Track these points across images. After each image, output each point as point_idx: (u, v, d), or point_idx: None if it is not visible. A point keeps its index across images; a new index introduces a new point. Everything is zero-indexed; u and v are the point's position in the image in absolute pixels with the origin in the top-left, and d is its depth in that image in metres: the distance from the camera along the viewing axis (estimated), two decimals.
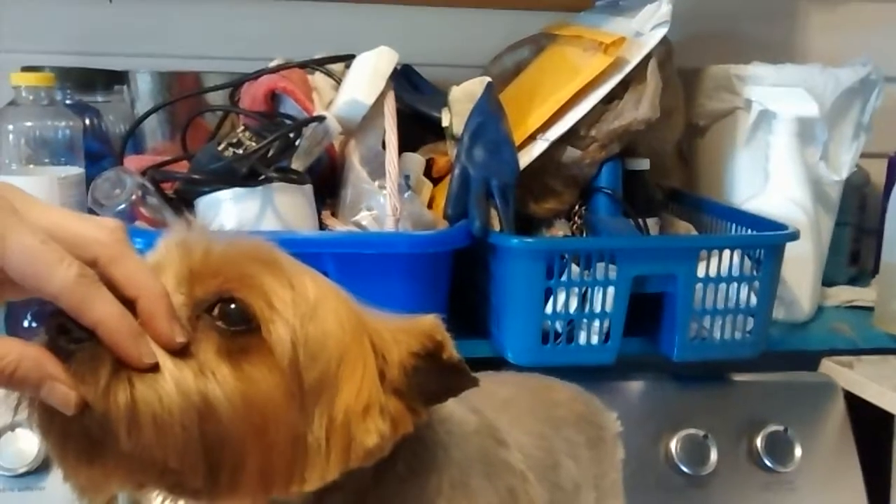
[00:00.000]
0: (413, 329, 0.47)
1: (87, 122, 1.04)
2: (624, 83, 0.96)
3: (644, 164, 1.05)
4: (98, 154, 1.04)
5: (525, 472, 0.56)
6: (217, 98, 1.03)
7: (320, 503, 0.46)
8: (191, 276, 0.43)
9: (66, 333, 0.39)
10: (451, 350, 0.46)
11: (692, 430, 0.96)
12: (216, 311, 0.42)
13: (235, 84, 0.98)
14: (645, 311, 0.92)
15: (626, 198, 1.02)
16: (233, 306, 0.42)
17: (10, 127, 0.90)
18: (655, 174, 1.10)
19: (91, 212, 0.89)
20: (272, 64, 1.01)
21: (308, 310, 0.43)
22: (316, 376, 0.43)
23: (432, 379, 0.46)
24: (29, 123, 0.91)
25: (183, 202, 0.89)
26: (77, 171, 0.94)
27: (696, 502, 0.95)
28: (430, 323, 0.47)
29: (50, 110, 0.93)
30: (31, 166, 0.92)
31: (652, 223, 1.05)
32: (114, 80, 1.09)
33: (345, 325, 0.45)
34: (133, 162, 0.96)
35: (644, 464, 0.93)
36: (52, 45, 1.12)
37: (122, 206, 0.84)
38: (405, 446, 0.47)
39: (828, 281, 1.16)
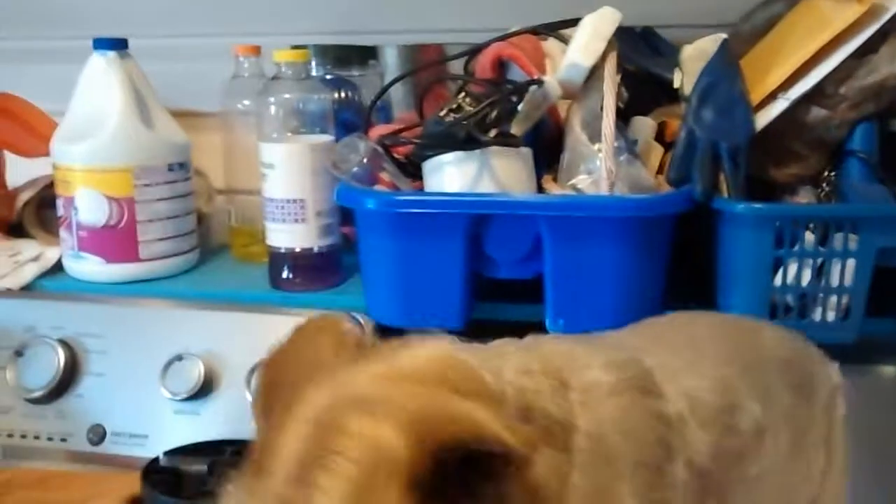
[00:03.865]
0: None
1: (343, 94, 1.13)
2: (881, 34, 0.86)
3: None
4: (352, 125, 1.12)
5: (685, 416, 0.54)
6: (455, 68, 1.08)
7: None
8: None
9: None
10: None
11: None
12: None
13: (468, 54, 1.01)
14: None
15: (884, 163, 0.91)
16: None
17: (272, 99, 1.01)
18: None
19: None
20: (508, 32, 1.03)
21: None
22: None
23: None
24: (287, 96, 1.01)
25: (413, 166, 0.94)
26: (327, 138, 1.03)
27: None
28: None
29: (306, 84, 1.02)
30: (289, 134, 1.02)
31: None
32: (367, 55, 1.18)
33: None
34: (377, 131, 1.03)
35: (891, 459, 0.83)
36: (314, 27, 1.22)
37: (355, 168, 0.91)
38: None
39: None
